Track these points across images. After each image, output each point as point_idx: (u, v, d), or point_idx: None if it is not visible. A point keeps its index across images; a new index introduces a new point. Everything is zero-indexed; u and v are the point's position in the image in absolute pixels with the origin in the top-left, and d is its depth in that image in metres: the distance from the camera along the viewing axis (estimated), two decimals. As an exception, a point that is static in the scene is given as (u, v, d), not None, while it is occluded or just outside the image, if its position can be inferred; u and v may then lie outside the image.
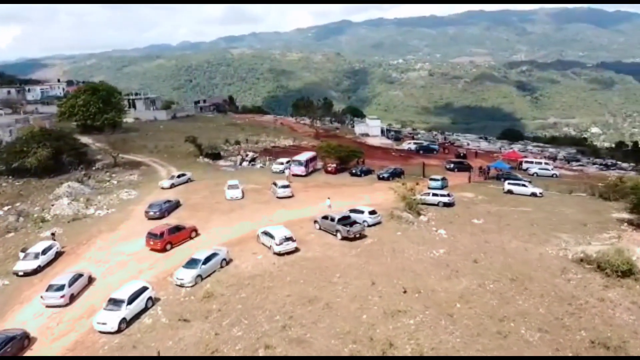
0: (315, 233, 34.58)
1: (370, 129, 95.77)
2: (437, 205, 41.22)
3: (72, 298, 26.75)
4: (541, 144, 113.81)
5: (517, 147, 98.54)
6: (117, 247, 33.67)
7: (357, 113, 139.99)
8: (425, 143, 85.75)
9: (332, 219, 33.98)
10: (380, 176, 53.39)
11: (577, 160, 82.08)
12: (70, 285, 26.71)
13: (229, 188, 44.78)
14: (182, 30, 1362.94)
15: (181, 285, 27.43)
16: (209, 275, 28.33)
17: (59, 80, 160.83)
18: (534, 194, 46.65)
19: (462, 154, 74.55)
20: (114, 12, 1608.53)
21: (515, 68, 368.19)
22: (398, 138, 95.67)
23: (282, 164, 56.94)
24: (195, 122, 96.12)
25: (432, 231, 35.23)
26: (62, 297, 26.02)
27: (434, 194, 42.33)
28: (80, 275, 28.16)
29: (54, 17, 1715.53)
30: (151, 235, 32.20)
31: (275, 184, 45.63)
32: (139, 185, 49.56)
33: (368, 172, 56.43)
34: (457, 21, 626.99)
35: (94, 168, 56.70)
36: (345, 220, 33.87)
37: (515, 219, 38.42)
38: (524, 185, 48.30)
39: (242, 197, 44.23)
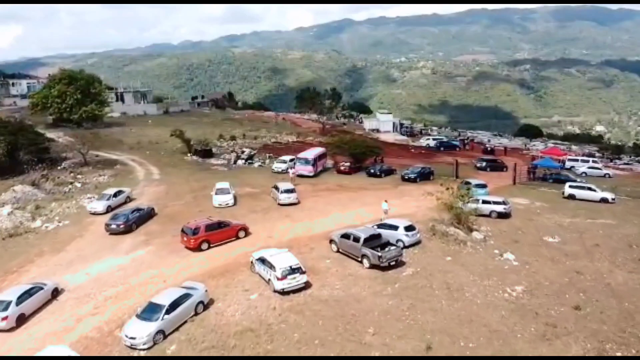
0: (332, 258, 24.87)
1: (382, 124, 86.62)
2: (489, 216, 31.52)
3: (21, 320, 20.17)
4: (558, 142, 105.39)
5: (538, 143, 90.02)
6: (58, 277, 24.13)
7: (364, 109, 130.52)
8: (444, 139, 76.82)
9: (356, 239, 24.20)
10: (406, 177, 43.97)
11: (619, 159, 72.60)
12: (19, 303, 20.15)
13: (217, 192, 35.50)
14: (183, 30, 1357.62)
15: (132, 347, 17.86)
16: (177, 329, 18.77)
17: (49, 75, 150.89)
18: (604, 200, 37.07)
19: (489, 149, 67.37)
20: (114, 12, 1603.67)
21: (518, 66, 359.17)
22: (413, 134, 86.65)
23: (284, 162, 47.85)
24: (189, 117, 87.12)
25: (494, 255, 25.42)
26: (4, 319, 19.66)
27: (485, 202, 32.40)
28: (40, 289, 21.50)
29: (54, 17, 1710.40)
30: (185, 231, 27.13)
31: (276, 188, 36.23)
32: (108, 189, 39.88)
33: (389, 172, 47.02)
34: (459, 20, 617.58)
35: (58, 167, 47.28)
36: (374, 241, 24.12)
37: (602, 236, 28.66)
38: (590, 189, 38.51)
39: (234, 203, 35.03)
